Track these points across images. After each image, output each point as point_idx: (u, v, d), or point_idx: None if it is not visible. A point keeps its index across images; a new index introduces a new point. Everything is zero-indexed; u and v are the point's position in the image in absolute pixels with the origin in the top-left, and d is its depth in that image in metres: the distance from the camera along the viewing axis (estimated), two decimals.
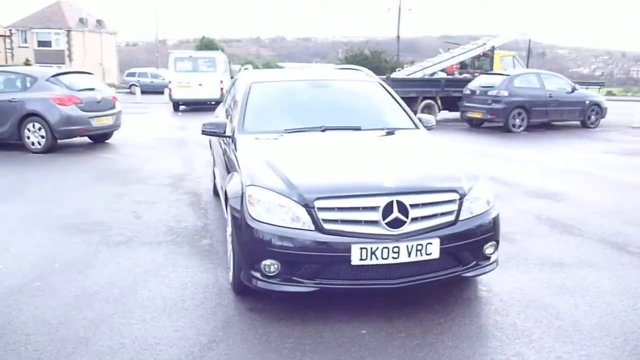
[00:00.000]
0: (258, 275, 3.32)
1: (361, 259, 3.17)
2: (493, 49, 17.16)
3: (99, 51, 50.30)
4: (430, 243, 3.25)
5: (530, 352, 3.01)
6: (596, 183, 7.57)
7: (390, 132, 4.54)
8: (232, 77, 23.31)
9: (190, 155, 9.84)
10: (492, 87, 13.92)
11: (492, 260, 3.59)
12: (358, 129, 4.49)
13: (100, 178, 7.66)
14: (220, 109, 6.56)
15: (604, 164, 9.13)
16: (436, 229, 3.30)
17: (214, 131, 4.55)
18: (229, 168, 4.25)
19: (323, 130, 4.36)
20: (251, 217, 3.33)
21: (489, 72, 16.16)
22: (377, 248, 3.16)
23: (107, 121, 10.48)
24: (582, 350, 3.04)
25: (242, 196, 3.47)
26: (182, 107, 20.42)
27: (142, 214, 5.78)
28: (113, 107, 10.70)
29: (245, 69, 6.29)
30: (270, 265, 3.25)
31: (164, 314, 3.46)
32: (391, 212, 3.21)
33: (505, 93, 13.59)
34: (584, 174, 8.23)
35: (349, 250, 3.16)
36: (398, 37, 24.88)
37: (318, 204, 3.22)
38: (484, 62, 17.38)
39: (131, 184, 7.24)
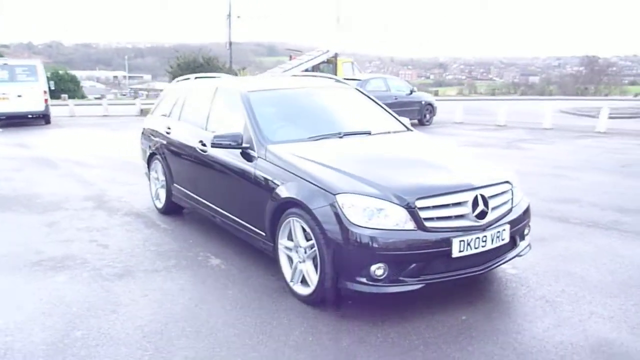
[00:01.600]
0: (364, 280, 3.35)
1: (460, 251, 3.43)
2: (336, 55, 18.36)
3: None
4: (504, 229, 3.66)
5: (598, 309, 3.61)
6: None
7: (400, 135, 4.83)
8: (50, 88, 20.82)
9: (77, 174, 8.74)
10: None
11: (528, 240, 4.14)
12: (369, 133, 4.69)
13: None
14: (158, 122, 6.08)
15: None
16: (503, 217, 3.72)
17: (229, 143, 4.31)
18: (257, 180, 4.09)
19: (341, 137, 4.46)
20: (352, 223, 3.34)
21: (337, 77, 17.24)
22: (472, 239, 3.46)
23: None
24: (629, 300, 3.74)
25: (330, 205, 3.44)
26: None
27: (106, 242, 5.11)
28: None
29: (187, 78, 5.99)
30: (379, 269, 3.32)
31: (272, 338, 3.26)
32: (477, 205, 3.54)
33: None
34: None
35: (450, 244, 3.40)
36: (230, 43, 24.76)
37: (419, 203, 3.39)
38: (326, 68, 18.47)
39: (48, 212, 6.25)
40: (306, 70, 18.37)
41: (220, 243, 5.03)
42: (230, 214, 4.61)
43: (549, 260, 4.56)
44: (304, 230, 3.65)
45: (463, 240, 3.43)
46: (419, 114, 16.43)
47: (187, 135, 5.31)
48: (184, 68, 23.80)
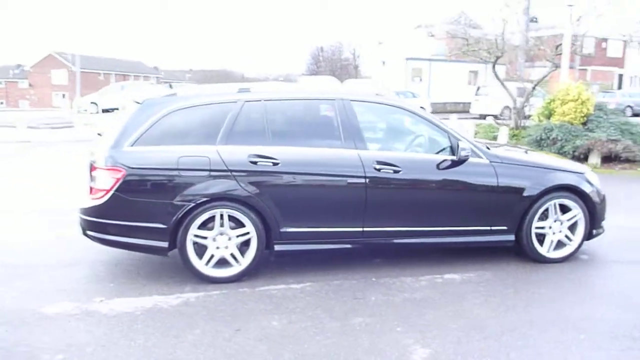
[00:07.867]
0: (604, 224, 5.20)
1: None
2: None
3: None
4: None
5: None
6: None
7: None
8: None
9: None
10: None
11: None
12: None
13: None
14: (203, 154, 4.44)
15: None
16: None
17: (468, 155, 4.77)
18: (500, 182, 4.85)
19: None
20: (598, 190, 5.14)
21: None
22: None
23: None
24: None
25: (586, 180, 5.09)
26: None
27: None
28: None
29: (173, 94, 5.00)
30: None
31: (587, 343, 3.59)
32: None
33: None
34: None
35: None
36: None
37: None
38: None
39: None
40: None
41: (415, 264, 5.02)
42: (445, 227, 4.87)
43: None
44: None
45: None
46: None
47: (334, 160, 4.64)
48: None
